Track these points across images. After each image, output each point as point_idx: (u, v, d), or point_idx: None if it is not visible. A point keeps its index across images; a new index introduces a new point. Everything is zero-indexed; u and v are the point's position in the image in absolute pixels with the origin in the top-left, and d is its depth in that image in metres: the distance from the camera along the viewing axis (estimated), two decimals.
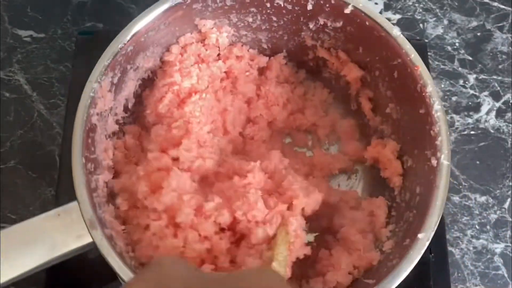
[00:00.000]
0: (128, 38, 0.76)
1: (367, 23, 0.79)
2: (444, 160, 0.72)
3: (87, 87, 0.73)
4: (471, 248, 0.94)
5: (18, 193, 0.94)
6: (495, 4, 1.13)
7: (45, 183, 0.94)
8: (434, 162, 0.72)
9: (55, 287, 0.86)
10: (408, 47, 0.77)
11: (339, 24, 0.83)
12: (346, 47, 0.87)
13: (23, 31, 1.06)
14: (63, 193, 0.90)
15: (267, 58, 0.93)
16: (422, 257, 0.67)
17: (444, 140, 0.72)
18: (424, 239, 0.68)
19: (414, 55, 0.76)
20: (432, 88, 0.75)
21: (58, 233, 0.68)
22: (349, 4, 0.79)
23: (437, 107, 0.74)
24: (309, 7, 0.82)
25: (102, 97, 0.75)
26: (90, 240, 0.67)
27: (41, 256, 0.67)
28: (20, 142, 0.97)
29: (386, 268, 0.70)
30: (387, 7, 1.12)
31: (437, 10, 1.12)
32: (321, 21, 0.84)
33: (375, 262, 0.75)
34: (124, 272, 0.65)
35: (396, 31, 0.77)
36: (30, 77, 1.02)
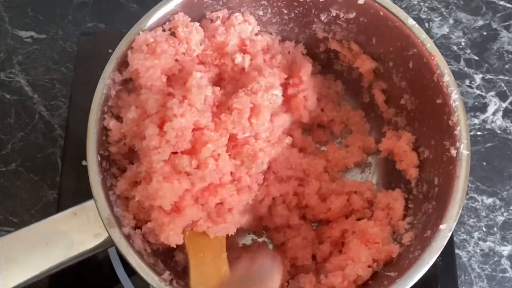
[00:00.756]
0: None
1: (381, 13, 0.78)
2: (464, 149, 0.71)
3: (100, 84, 0.72)
4: (478, 251, 0.93)
5: (20, 196, 0.93)
6: (501, 3, 1.12)
7: (47, 186, 0.94)
8: (453, 151, 0.72)
9: None
10: (424, 36, 0.76)
11: (352, 15, 0.81)
12: (359, 39, 0.86)
13: (24, 32, 1.06)
14: (65, 196, 0.88)
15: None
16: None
17: (463, 130, 0.72)
18: (446, 229, 0.68)
19: (430, 45, 0.76)
20: (449, 78, 0.74)
21: (75, 232, 0.69)
22: None
23: (455, 97, 0.73)
24: None
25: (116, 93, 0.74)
26: (107, 238, 0.67)
27: (58, 255, 0.67)
28: (21, 144, 0.97)
29: (408, 260, 0.70)
30: None
31: (443, 9, 1.11)
32: (333, 13, 0.82)
33: (394, 254, 0.74)
34: (143, 270, 0.66)
35: (411, 21, 0.76)
36: (31, 78, 1.01)
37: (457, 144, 0.72)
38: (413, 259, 0.68)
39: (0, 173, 0.94)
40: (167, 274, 0.70)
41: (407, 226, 0.78)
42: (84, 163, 0.70)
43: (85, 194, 0.69)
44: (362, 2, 0.78)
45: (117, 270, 0.82)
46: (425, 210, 0.75)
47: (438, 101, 0.75)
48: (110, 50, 0.74)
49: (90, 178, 0.68)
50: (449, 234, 0.68)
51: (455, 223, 0.68)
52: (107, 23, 1.07)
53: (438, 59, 0.75)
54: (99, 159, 0.70)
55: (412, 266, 0.67)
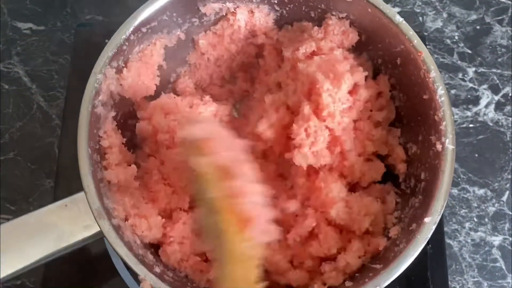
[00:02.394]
0: (131, 29, 0.76)
1: (369, 10, 0.78)
2: (449, 144, 0.71)
3: (92, 78, 0.72)
4: (469, 241, 0.93)
5: (17, 184, 0.93)
6: None
7: (44, 175, 0.94)
8: (439, 146, 0.72)
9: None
10: (411, 33, 0.76)
11: (342, 14, 0.82)
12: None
13: (23, 23, 1.06)
14: (61, 185, 0.89)
15: None
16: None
17: (448, 125, 0.72)
18: (431, 223, 0.68)
19: (417, 41, 0.76)
20: (435, 74, 0.74)
21: (65, 224, 0.68)
22: None
23: (441, 92, 0.73)
24: None
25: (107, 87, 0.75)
26: (97, 230, 0.67)
27: (48, 246, 0.67)
28: (19, 134, 0.97)
29: (393, 253, 0.70)
30: None
31: (437, 4, 1.11)
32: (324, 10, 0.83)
33: (381, 247, 0.74)
34: (131, 261, 0.66)
35: (398, 18, 0.76)
36: (29, 69, 1.02)
37: (443, 139, 0.72)
38: (398, 251, 0.68)
39: None
40: (156, 266, 0.71)
41: (395, 220, 0.77)
42: None
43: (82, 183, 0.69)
44: (350, 0, 0.79)
45: (115, 261, 0.83)
46: (412, 204, 0.75)
47: (425, 96, 0.75)
48: (106, 40, 0.75)
49: (80, 170, 0.68)
50: (434, 227, 0.67)
51: (440, 216, 0.68)
52: (105, 16, 1.07)
53: (425, 55, 0.75)
54: (90, 152, 0.70)
55: (397, 258, 0.67)
